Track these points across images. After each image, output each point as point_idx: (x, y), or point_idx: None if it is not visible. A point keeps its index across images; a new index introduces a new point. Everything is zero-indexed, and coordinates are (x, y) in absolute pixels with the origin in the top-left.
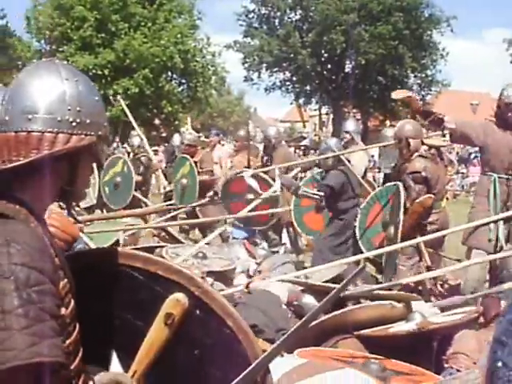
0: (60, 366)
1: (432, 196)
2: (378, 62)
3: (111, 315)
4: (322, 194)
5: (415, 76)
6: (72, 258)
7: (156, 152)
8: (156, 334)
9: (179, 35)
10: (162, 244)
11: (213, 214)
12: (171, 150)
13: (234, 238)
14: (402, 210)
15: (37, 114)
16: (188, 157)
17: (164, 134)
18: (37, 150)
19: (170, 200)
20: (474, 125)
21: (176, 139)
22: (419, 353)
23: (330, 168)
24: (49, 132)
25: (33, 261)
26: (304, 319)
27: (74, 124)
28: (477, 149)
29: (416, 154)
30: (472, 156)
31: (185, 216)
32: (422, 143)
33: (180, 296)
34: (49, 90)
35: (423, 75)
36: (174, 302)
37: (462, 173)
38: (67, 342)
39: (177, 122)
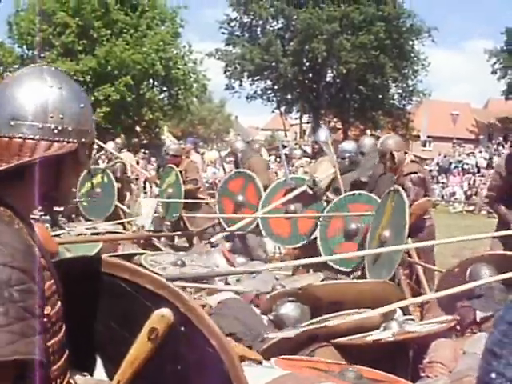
0: (39, 364)
1: (430, 199)
2: (360, 72)
3: (97, 322)
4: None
5: (396, 86)
6: (58, 265)
7: (137, 161)
8: (139, 347)
9: (161, 42)
10: (141, 251)
11: (201, 221)
12: (164, 156)
13: (212, 246)
14: (407, 212)
15: (19, 120)
16: (174, 166)
17: (144, 141)
18: (17, 156)
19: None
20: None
21: (168, 145)
22: (396, 361)
23: (344, 170)
24: (30, 139)
25: (15, 261)
26: None
27: (55, 131)
28: (457, 158)
29: (407, 160)
30: (452, 166)
31: (169, 223)
32: (405, 153)
33: (165, 312)
34: (32, 97)
35: (404, 85)
36: (159, 318)
37: (443, 183)
38: (52, 341)
39: (158, 130)
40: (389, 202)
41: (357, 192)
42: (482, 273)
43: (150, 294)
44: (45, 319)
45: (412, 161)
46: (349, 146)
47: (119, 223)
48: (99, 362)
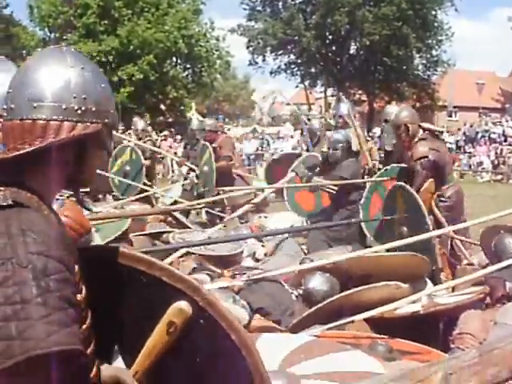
0: (79, 353)
1: (432, 180)
2: (383, 43)
3: (115, 311)
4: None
5: (420, 56)
6: (79, 252)
7: (165, 137)
8: (157, 339)
9: (183, 20)
10: (169, 229)
11: (236, 197)
12: (192, 133)
13: (241, 222)
14: (423, 208)
15: (42, 101)
16: (207, 144)
17: (170, 119)
18: (41, 138)
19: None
20: None
21: (194, 123)
22: (426, 333)
23: (339, 160)
24: (54, 120)
25: (49, 249)
26: None
27: (79, 112)
28: (484, 127)
29: (416, 139)
30: (479, 135)
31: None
32: (419, 127)
33: (183, 305)
34: (54, 78)
35: (428, 55)
36: (178, 311)
37: (469, 152)
38: (83, 327)
39: (182, 108)
40: (398, 198)
41: (383, 169)
42: (507, 243)
43: (168, 286)
44: (77, 307)
45: (422, 139)
46: (338, 135)
47: (147, 203)
48: (117, 352)
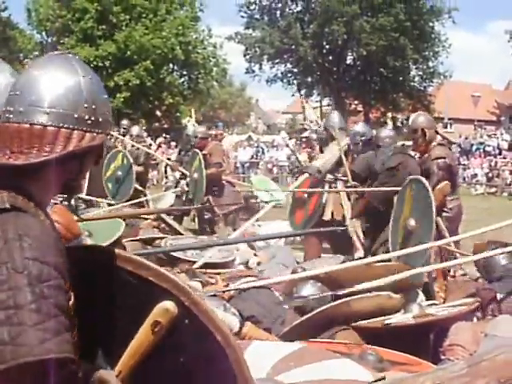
0: (70, 361)
1: (449, 183)
2: (380, 54)
3: (100, 311)
4: (345, 178)
5: (417, 67)
6: (67, 251)
7: (159, 145)
8: (142, 338)
9: (180, 27)
10: (162, 235)
11: (228, 202)
12: (187, 139)
13: (234, 229)
14: (433, 204)
15: (54, 108)
16: (198, 151)
17: (165, 126)
18: (52, 144)
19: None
20: None
21: (190, 129)
22: (417, 344)
23: (359, 152)
24: (65, 128)
25: (45, 255)
26: None
27: (89, 122)
28: (479, 140)
29: (434, 143)
30: (474, 148)
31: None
32: (436, 133)
33: (169, 304)
34: (68, 86)
35: (425, 67)
36: (163, 311)
37: (464, 164)
38: (73, 334)
39: (178, 114)
40: (407, 191)
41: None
42: (496, 257)
43: (154, 286)
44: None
45: (439, 144)
46: (359, 127)
47: (140, 208)
48: (100, 352)
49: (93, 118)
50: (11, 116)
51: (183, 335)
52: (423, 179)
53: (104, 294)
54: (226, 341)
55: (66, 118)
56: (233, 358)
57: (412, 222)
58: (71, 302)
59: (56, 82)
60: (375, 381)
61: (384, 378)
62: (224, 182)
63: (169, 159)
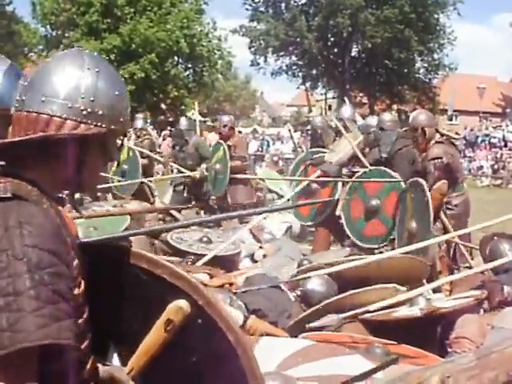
0: (70, 347)
1: (446, 182)
2: (385, 46)
3: (113, 308)
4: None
5: (422, 60)
6: (81, 246)
7: (164, 137)
8: (155, 336)
9: (185, 20)
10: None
11: (242, 198)
12: (180, 134)
13: (241, 222)
14: (430, 204)
15: (50, 97)
16: (222, 142)
17: (171, 119)
18: (43, 132)
19: (178, 186)
20: None
21: (183, 123)
22: (424, 337)
23: (371, 144)
24: (57, 116)
25: (45, 243)
26: None
27: (84, 113)
28: (484, 132)
29: (432, 141)
30: (479, 140)
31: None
32: (436, 131)
33: (183, 303)
34: (67, 76)
35: (430, 59)
36: (176, 309)
37: (469, 156)
38: (79, 321)
39: (183, 107)
40: (408, 194)
41: (367, 169)
42: (502, 248)
43: (168, 284)
44: (73, 301)
45: (438, 142)
46: (373, 120)
47: (146, 201)
48: (112, 348)
49: (89, 110)
50: (17, 105)
51: (195, 335)
52: (420, 180)
53: (117, 291)
54: (237, 341)
55: (60, 107)
56: (244, 358)
57: (413, 224)
58: (80, 290)
59: (57, 73)
60: (387, 362)
61: (397, 359)
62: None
63: (160, 153)
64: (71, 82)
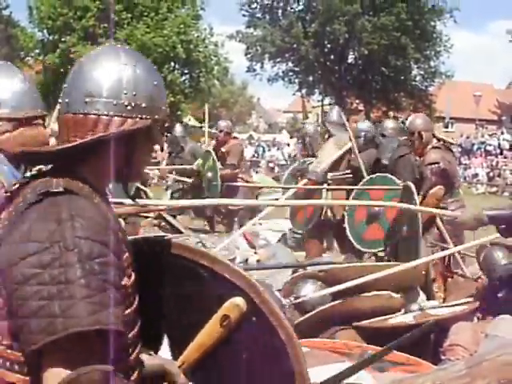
0: (118, 334)
1: (442, 187)
2: (381, 53)
3: (167, 302)
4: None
5: (418, 67)
6: (135, 242)
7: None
8: (210, 332)
9: (182, 25)
10: (162, 234)
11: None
12: (175, 140)
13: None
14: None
15: (94, 97)
16: (211, 150)
17: (166, 124)
18: (92, 131)
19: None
20: None
21: (178, 130)
22: (417, 344)
23: (360, 148)
24: (104, 115)
25: (96, 234)
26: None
27: (129, 108)
28: (480, 139)
29: (429, 146)
30: (475, 147)
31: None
32: (433, 136)
33: (239, 300)
34: (107, 75)
35: (426, 66)
36: (233, 306)
37: (465, 164)
38: (128, 311)
39: (179, 113)
40: (403, 199)
41: (373, 176)
42: (495, 256)
43: (225, 281)
44: (123, 290)
45: (434, 147)
46: (363, 125)
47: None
48: (165, 343)
49: (133, 104)
50: (62, 108)
51: (249, 333)
52: (410, 184)
53: (172, 286)
54: (288, 340)
55: (105, 105)
56: (293, 356)
57: (404, 227)
58: (130, 281)
59: (95, 72)
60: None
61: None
62: (239, 179)
63: (154, 158)
64: (112, 79)
